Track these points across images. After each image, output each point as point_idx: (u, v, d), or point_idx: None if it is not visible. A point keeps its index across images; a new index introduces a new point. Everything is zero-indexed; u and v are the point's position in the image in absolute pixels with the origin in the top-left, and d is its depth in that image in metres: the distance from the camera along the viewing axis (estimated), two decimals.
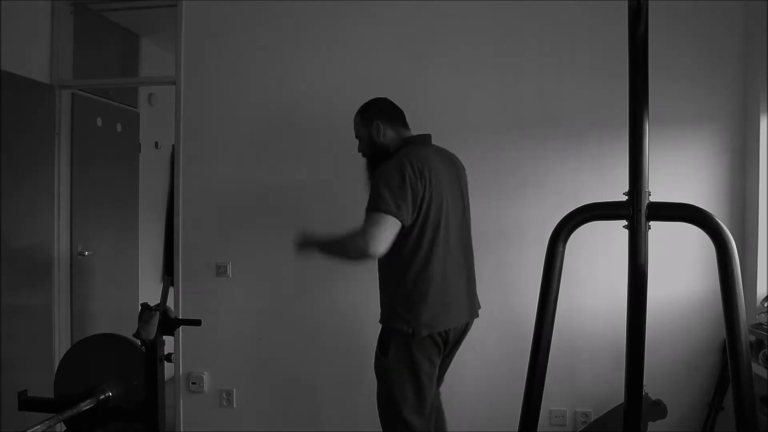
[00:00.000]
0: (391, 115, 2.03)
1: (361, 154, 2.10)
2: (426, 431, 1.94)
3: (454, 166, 2.06)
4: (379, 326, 2.13)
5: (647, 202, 1.13)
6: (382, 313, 1.98)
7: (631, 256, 1.14)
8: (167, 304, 1.91)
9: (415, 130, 2.34)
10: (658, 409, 2.35)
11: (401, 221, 1.77)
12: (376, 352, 1.98)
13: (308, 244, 1.95)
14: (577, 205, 1.20)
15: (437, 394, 2.17)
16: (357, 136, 2.09)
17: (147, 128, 3.84)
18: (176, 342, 2.78)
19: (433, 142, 2.12)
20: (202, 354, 2.81)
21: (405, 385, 1.88)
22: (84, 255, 3.18)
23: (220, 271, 2.79)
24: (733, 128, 2.52)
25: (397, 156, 1.88)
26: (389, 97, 2.61)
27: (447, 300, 1.91)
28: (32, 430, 1.57)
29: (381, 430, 2.06)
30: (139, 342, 1.85)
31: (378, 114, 2.01)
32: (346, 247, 1.83)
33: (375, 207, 1.77)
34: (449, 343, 1.97)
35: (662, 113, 2.40)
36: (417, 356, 1.87)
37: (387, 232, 1.74)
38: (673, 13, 2.48)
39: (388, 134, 2.00)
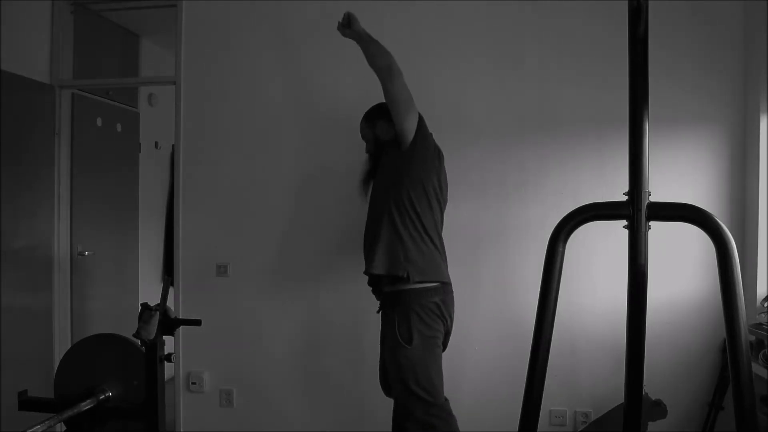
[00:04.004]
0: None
1: (368, 155, 2.27)
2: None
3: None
4: (378, 324, 2.14)
5: (647, 202, 1.13)
6: (377, 264, 2.05)
7: (631, 256, 1.15)
8: (167, 304, 1.91)
9: None
10: (658, 409, 2.35)
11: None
12: (391, 346, 2.01)
13: (353, 29, 2.16)
14: (577, 205, 1.20)
15: None
16: (363, 138, 2.28)
17: (147, 128, 3.84)
18: (176, 342, 2.78)
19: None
20: (202, 354, 2.81)
21: (430, 362, 2.00)
22: (84, 255, 3.18)
23: (220, 271, 2.79)
24: (733, 128, 2.52)
25: None
26: None
27: (441, 258, 2.13)
28: (32, 430, 1.57)
29: (381, 429, 2.07)
30: (139, 342, 1.85)
31: (381, 115, 2.19)
32: (383, 56, 2.09)
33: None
34: (450, 323, 2.11)
35: (662, 113, 2.39)
36: (433, 332, 2.01)
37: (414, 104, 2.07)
38: (673, 14, 2.48)
39: (390, 132, 2.16)
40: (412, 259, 2.00)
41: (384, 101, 2.23)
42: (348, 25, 2.16)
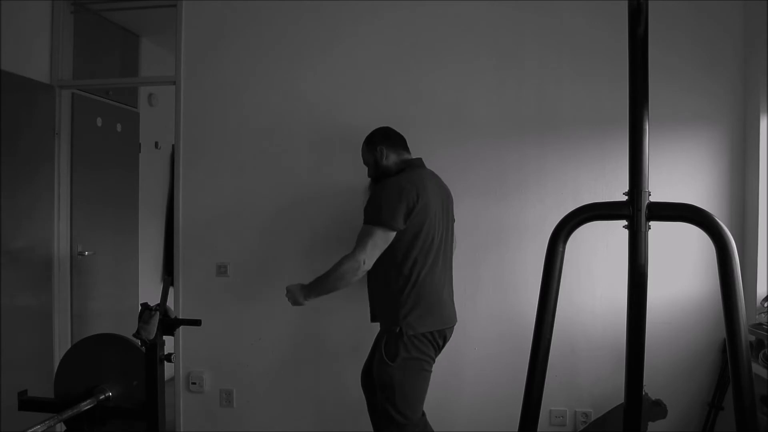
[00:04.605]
0: (393, 141, 2.22)
1: (370, 179, 2.27)
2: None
3: (442, 189, 2.22)
4: (376, 326, 2.15)
5: (647, 202, 1.13)
6: (375, 314, 2.16)
7: (631, 256, 1.15)
8: (167, 304, 1.91)
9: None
10: (658, 409, 2.35)
11: (394, 229, 1.98)
12: (378, 359, 2.03)
13: (298, 295, 2.13)
14: (577, 205, 1.20)
15: None
16: (365, 162, 2.28)
17: (147, 128, 3.84)
18: (176, 342, 2.78)
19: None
20: (202, 354, 2.81)
21: (410, 385, 2.00)
22: (84, 255, 3.18)
23: (220, 271, 2.79)
24: (733, 128, 2.51)
25: (397, 175, 2.11)
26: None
27: (436, 303, 2.07)
28: (32, 430, 1.57)
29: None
30: (139, 342, 1.85)
31: (381, 140, 2.21)
32: (335, 276, 2.00)
33: (372, 219, 1.99)
34: (443, 346, 2.11)
35: (662, 113, 2.40)
36: (421, 355, 2.01)
37: (378, 246, 1.97)
38: (673, 14, 2.48)
39: (390, 157, 2.19)
40: (407, 315, 1.99)
41: (384, 126, 2.29)
42: (298, 302, 2.14)
